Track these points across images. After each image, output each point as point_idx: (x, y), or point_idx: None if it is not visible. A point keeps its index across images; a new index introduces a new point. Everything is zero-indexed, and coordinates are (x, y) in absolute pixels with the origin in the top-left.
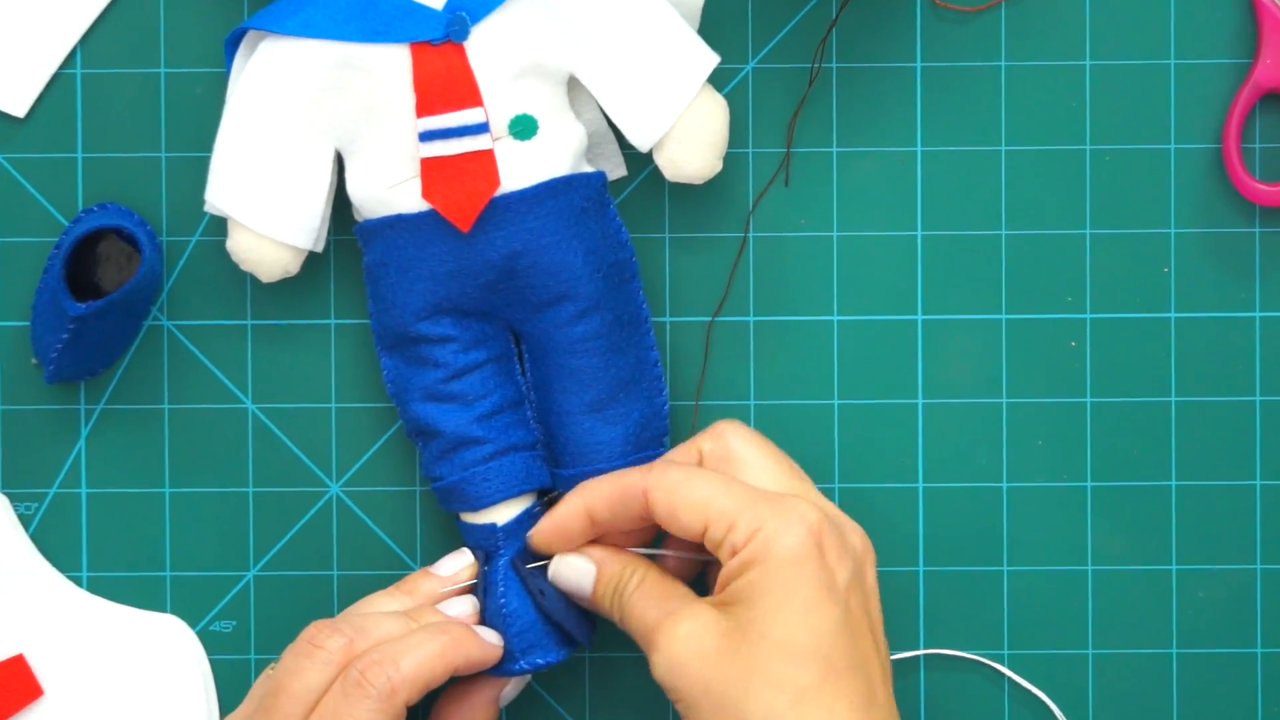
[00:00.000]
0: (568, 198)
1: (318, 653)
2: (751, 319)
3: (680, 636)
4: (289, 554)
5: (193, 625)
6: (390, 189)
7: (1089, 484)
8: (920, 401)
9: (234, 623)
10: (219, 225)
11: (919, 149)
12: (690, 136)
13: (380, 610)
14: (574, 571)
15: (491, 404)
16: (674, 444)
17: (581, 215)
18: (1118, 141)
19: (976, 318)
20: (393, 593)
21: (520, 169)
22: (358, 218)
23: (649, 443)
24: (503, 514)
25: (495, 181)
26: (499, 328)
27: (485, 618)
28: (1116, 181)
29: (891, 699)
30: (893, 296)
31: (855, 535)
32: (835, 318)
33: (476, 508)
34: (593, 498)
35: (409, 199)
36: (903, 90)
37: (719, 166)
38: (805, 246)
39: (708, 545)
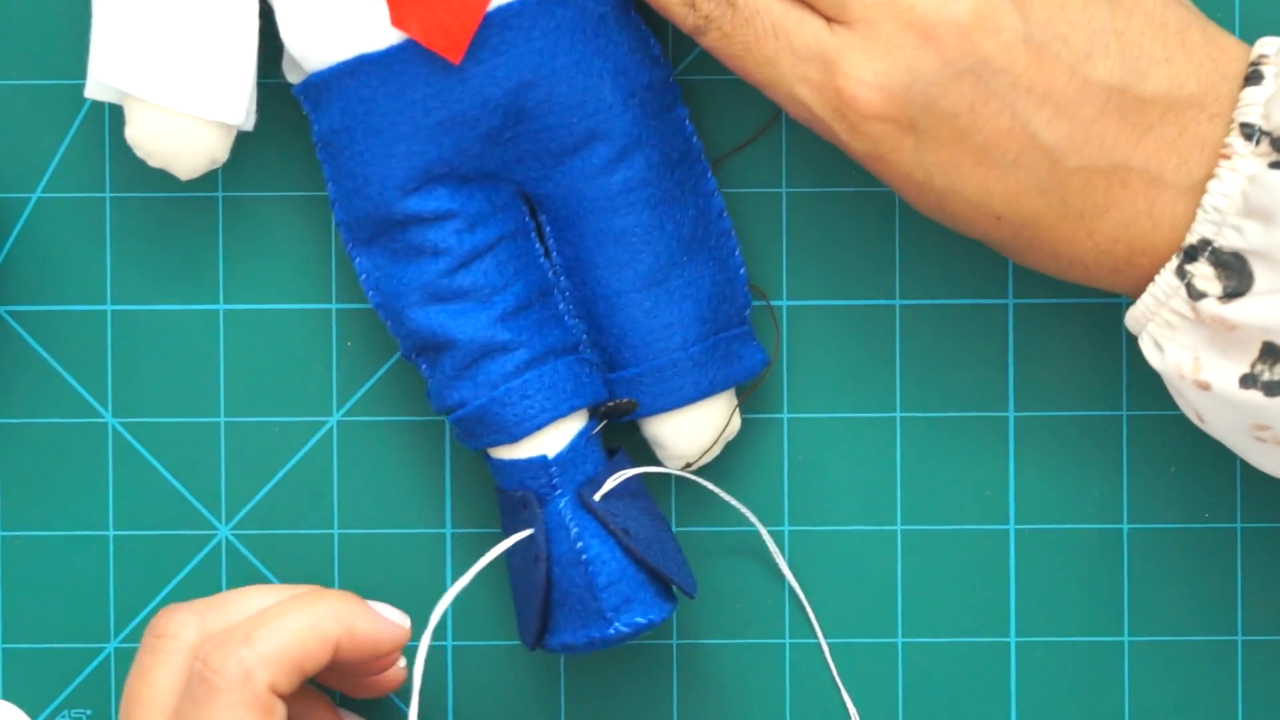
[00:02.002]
0: (580, 3)
1: (165, 644)
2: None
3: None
4: None
5: (34, 715)
6: (344, 21)
7: (1238, 527)
8: (1011, 415)
9: (89, 712)
10: (68, 178)
11: None
12: None
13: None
14: None
15: (515, 297)
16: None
17: (601, 25)
18: None
19: (1079, 302)
20: (282, 589)
21: None
22: (295, 78)
23: (730, 320)
24: (553, 441)
25: None
26: (509, 194)
27: (555, 576)
28: None
29: None
30: None
31: None
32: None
33: (517, 436)
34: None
35: (372, 32)
36: None
37: None
38: None
39: None
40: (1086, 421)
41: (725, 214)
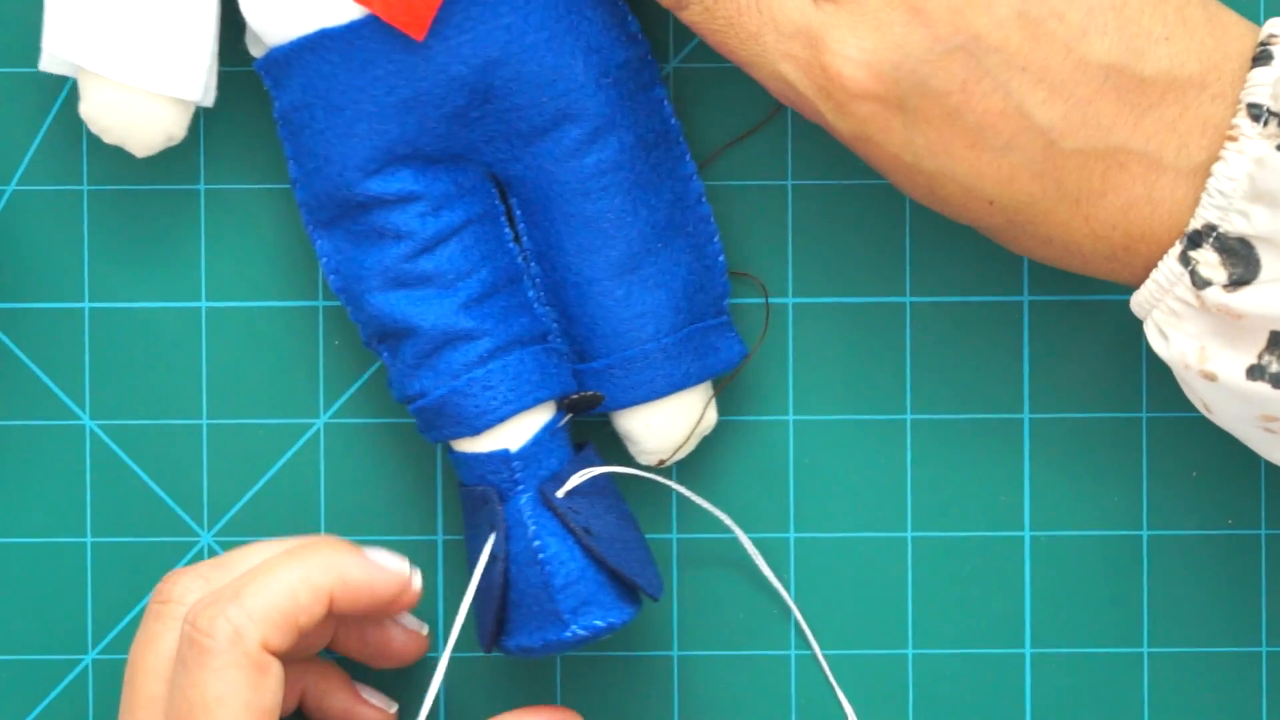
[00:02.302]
0: None
1: (170, 609)
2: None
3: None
4: None
5: None
6: None
7: (1263, 533)
8: (1026, 417)
9: None
10: (44, 171)
11: None
12: None
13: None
14: None
15: (480, 283)
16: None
17: (574, 0)
18: None
19: (1096, 299)
20: (286, 541)
21: None
22: (258, 53)
23: (706, 310)
24: (515, 434)
25: None
26: (477, 176)
27: (513, 575)
28: None
29: None
30: None
31: None
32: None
33: (478, 428)
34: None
35: (333, 6)
36: None
37: None
38: None
39: None
40: (1105, 424)
41: (704, 199)
